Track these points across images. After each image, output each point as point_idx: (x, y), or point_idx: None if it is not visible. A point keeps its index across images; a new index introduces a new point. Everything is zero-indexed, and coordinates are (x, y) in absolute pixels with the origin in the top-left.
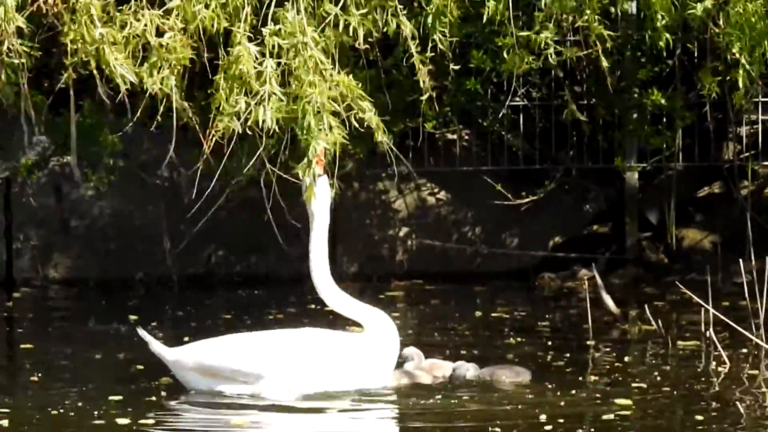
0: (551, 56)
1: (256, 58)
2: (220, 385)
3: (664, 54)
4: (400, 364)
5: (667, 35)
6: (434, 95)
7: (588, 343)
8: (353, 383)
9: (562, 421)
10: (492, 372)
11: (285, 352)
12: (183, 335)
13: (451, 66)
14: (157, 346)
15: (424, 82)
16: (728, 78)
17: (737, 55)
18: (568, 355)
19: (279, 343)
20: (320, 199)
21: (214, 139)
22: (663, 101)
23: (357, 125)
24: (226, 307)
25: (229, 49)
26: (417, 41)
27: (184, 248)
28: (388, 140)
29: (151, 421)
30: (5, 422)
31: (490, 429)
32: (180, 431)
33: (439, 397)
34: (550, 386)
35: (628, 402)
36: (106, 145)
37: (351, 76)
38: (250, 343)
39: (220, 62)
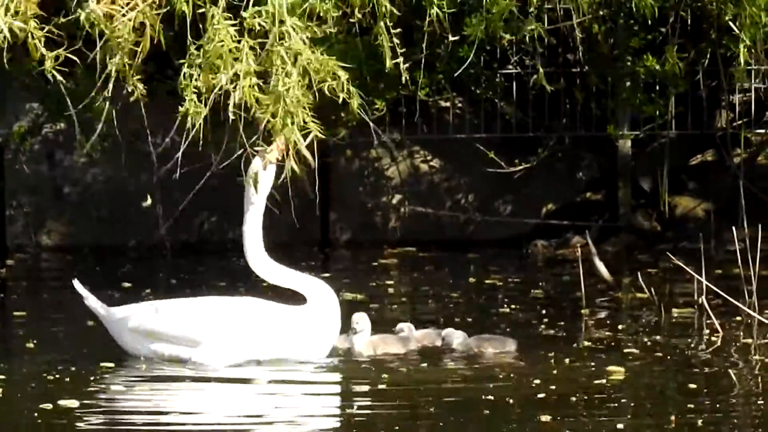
0: (543, 28)
1: (234, 38)
2: (158, 349)
3: (657, 22)
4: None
5: (652, 2)
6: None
7: (581, 311)
8: (292, 354)
9: (554, 388)
10: (478, 343)
11: (224, 320)
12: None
13: (450, 38)
14: (93, 302)
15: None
16: (721, 48)
17: (736, 31)
18: (561, 322)
19: (219, 311)
20: (262, 186)
21: (179, 119)
22: (657, 68)
23: (342, 97)
24: (220, 274)
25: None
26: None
27: (177, 216)
28: (381, 108)
29: (145, 388)
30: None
31: (483, 397)
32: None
33: (430, 366)
34: (543, 354)
35: (621, 369)
36: (98, 112)
37: (343, 44)
38: (190, 309)
39: (188, 44)
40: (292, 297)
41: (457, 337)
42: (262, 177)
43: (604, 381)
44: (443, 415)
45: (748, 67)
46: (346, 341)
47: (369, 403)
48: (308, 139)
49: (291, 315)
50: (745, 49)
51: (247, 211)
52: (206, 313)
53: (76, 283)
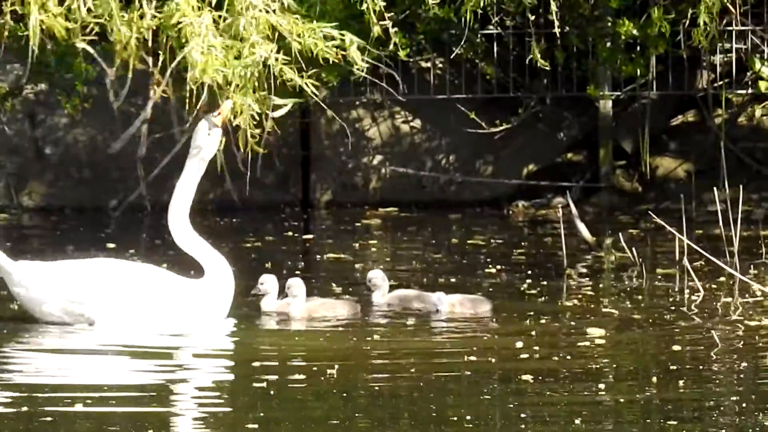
0: None
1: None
2: (51, 308)
3: None
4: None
5: None
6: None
7: (563, 271)
8: (183, 325)
9: (537, 348)
10: (453, 304)
11: (120, 288)
12: (161, 262)
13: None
14: None
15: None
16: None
17: None
18: (544, 283)
19: (116, 278)
20: (206, 150)
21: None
22: (635, 32)
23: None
24: (202, 234)
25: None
26: None
27: (157, 176)
28: (362, 69)
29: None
30: None
31: (466, 358)
32: (159, 350)
33: (412, 328)
34: (525, 314)
35: (601, 331)
36: (79, 73)
37: (324, 5)
38: (89, 273)
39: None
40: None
41: (438, 298)
42: (205, 140)
43: (586, 342)
44: (424, 377)
45: (729, 29)
46: (283, 306)
47: (344, 366)
48: (282, 110)
49: (183, 287)
50: (707, 12)
51: (184, 172)
52: (100, 278)
53: None
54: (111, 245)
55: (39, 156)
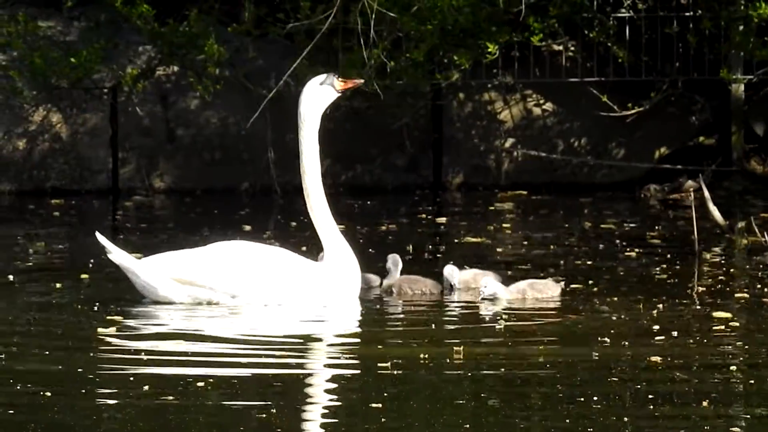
0: None
1: None
2: (192, 296)
3: None
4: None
5: None
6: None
7: (695, 255)
8: (307, 308)
9: (674, 333)
10: (522, 289)
11: (256, 270)
12: (295, 243)
13: None
14: (118, 255)
15: None
16: None
17: None
18: (677, 267)
19: (250, 262)
20: (316, 103)
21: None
22: None
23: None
24: (336, 217)
25: None
26: None
27: (288, 159)
28: (494, 52)
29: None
30: (112, 329)
31: (599, 339)
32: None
33: (533, 313)
34: (656, 298)
35: (728, 315)
36: (211, 54)
37: None
38: (223, 257)
39: None
40: None
41: (488, 282)
42: (314, 92)
43: (715, 326)
44: (555, 352)
45: None
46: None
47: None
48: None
49: (310, 270)
50: None
51: (301, 130)
52: (239, 261)
53: (99, 237)
54: (246, 227)
55: (170, 138)
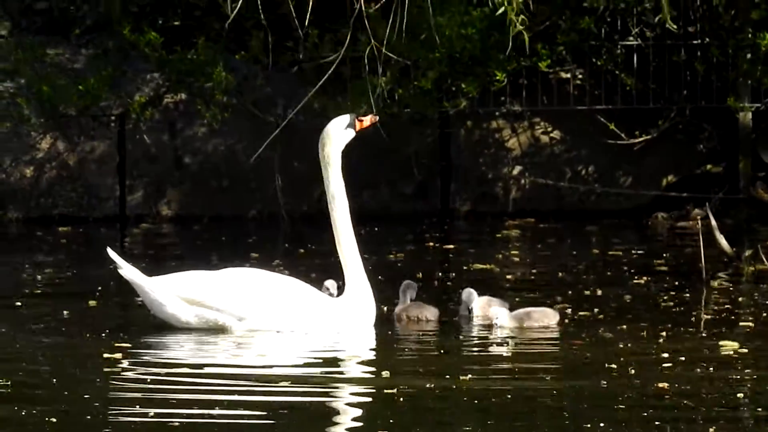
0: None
1: None
2: (199, 316)
3: None
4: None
5: None
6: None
7: (702, 283)
8: (318, 338)
9: (680, 359)
10: (520, 317)
11: (267, 296)
12: (304, 271)
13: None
14: (130, 272)
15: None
16: None
17: None
18: (685, 294)
19: (262, 288)
20: (336, 143)
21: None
22: None
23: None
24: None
25: None
26: None
27: (295, 186)
28: (502, 79)
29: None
30: (119, 355)
31: (606, 367)
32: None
33: (540, 341)
34: (663, 326)
35: (735, 343)
36: (218, 82)
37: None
38: (234, 281)
39: None
40: None
41: (499, 313)
42: (339, 134)
43: (721, 354)
44: (562, 380)
45: None
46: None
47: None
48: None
49: (321, 300)
50: None
51: (326, 169)
52: (248, 285)
53: (110, 252)
54: (254, 254)
55: (178, 165)
